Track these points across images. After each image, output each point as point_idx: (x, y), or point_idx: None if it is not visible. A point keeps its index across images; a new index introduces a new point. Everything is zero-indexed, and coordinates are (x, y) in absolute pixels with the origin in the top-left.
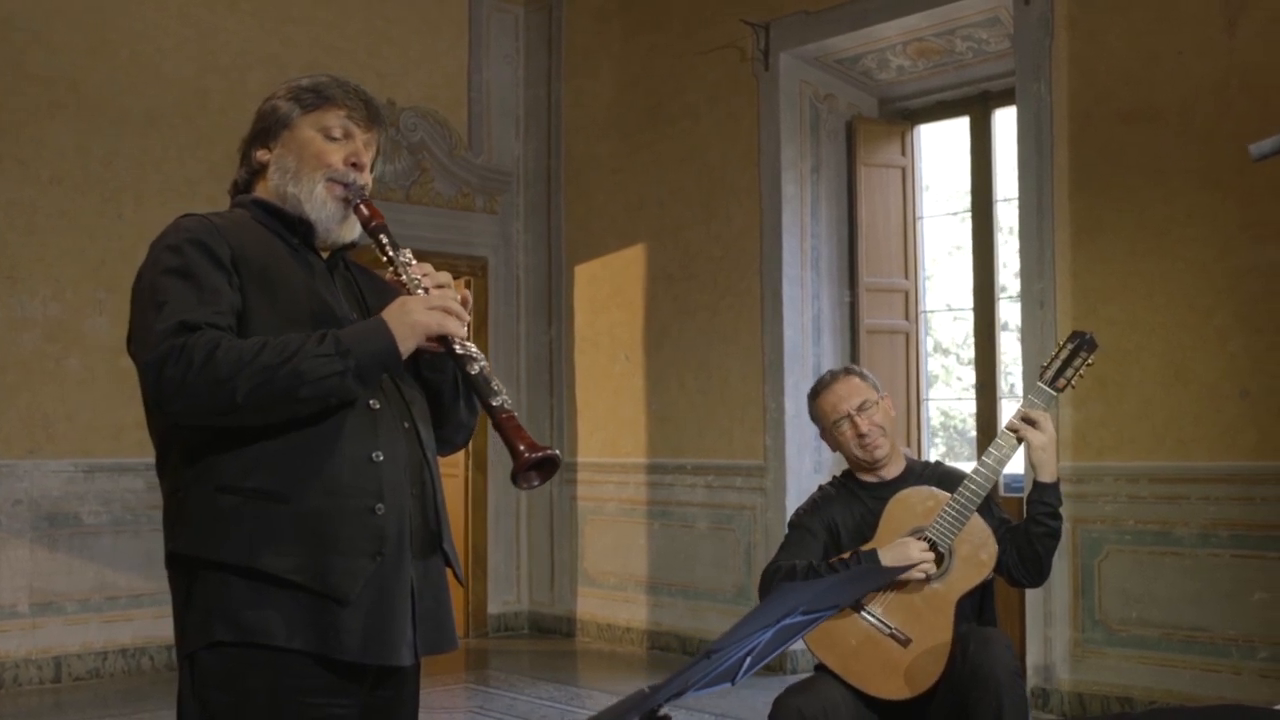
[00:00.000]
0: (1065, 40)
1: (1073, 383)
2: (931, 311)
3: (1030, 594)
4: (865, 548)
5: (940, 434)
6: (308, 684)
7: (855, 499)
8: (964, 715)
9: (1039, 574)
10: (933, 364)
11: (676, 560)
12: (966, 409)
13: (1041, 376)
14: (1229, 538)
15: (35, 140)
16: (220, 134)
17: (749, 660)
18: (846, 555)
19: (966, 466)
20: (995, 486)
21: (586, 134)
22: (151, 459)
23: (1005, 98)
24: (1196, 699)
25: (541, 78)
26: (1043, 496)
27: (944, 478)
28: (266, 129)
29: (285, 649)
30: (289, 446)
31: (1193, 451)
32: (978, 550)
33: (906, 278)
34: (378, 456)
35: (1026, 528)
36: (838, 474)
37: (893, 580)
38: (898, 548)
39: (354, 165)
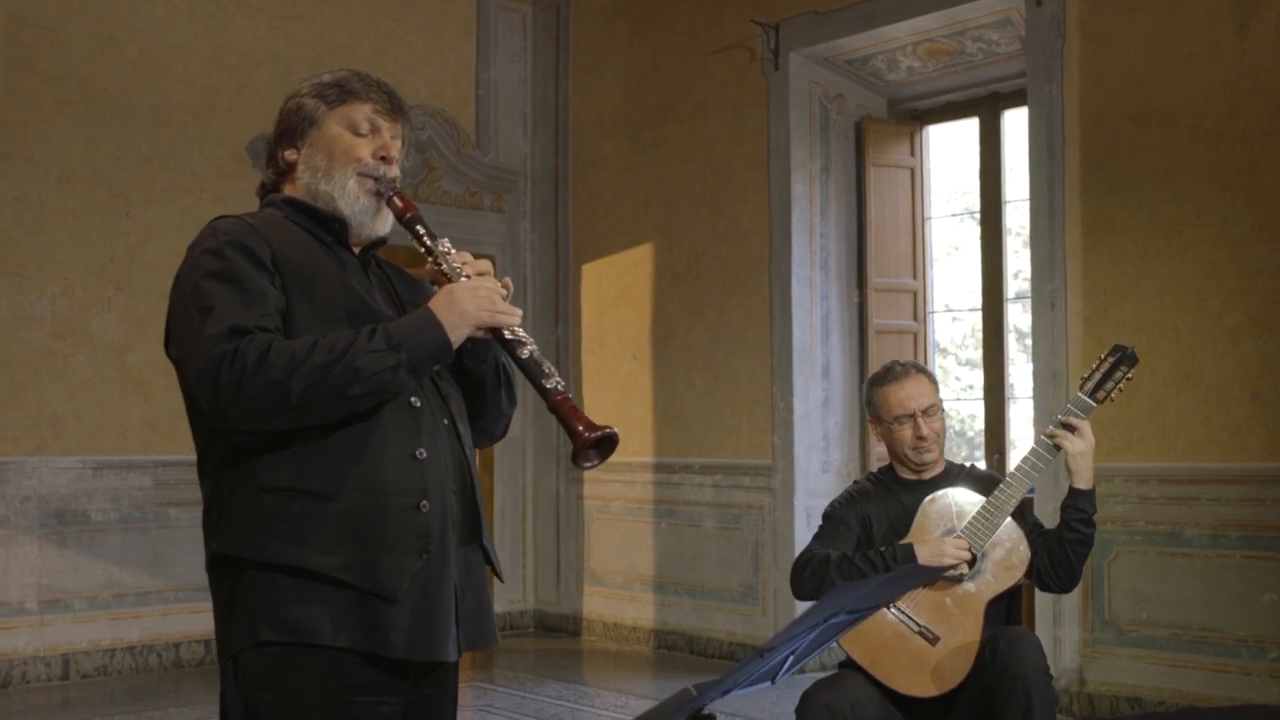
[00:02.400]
0: (1077, 42)
1: (1112, 395)
2: (937, 312)
3: (1040, 594)
4: (901, 542)
5: None
6: (354, 682)
7: (892, 495)
8: (991, 713)
9: (1070, 579)
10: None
11: (683, 559)
12: (965, 409)
13: (1082, 387)
14: (1239, 539)
15: (43, 137)
16: (228, 131)
17: (791, 659)
18: (883, 549)
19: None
20: None
21: (594, 133)
22: (159, 456)
23: (1015, 99)
24: (1206, 699)
25: (549, 77)
26: (1077, 503)
27: (981, 480)
28: (292, 129)
29: (332, 647)
30: (333, 446)
31: (1203, 452)
32: (1010, 554)
33: (915, 278)
34: (421, 454)
35: (1059, 533)
36: (874, 469)
37: (930, 579)
38: (934, 544)
39: (383, 159)
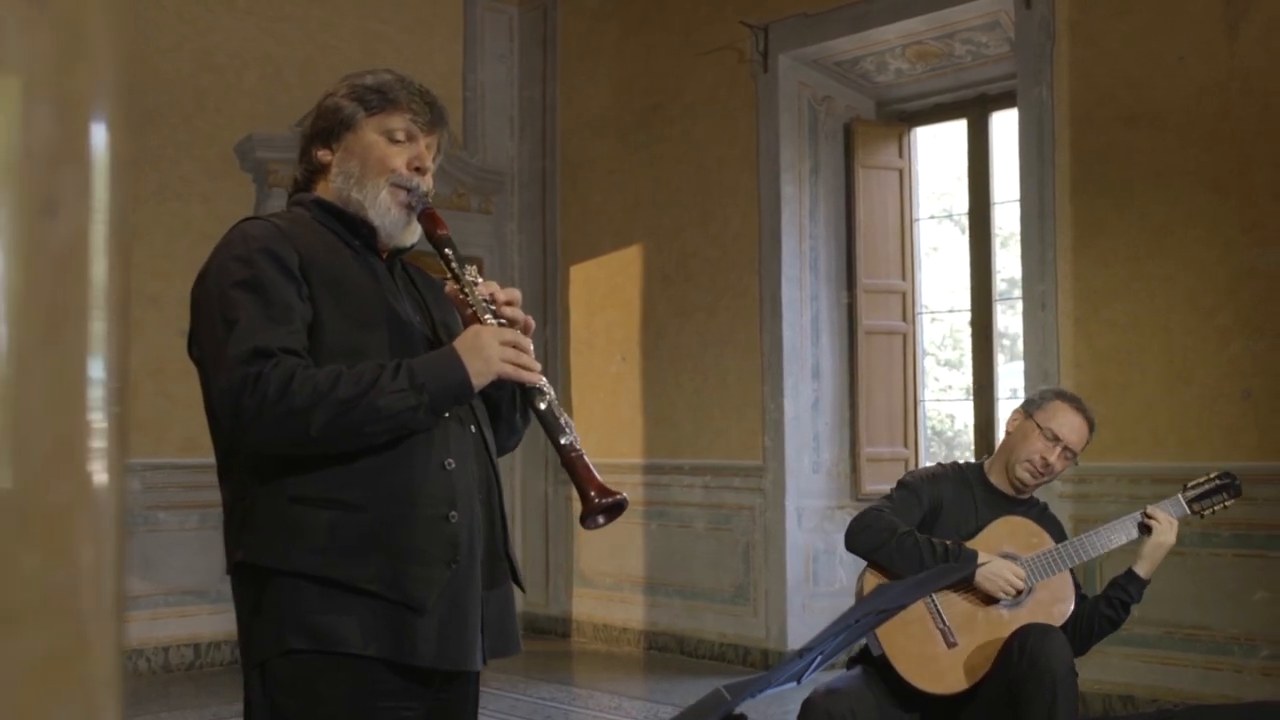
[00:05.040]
0: (1066, 44)
1: (1204, 514)
2: (928, 313)
3: None
4: (969, 545)
5: None
6: (379, 688)
7: (969, 492)
8: (1014, 707)
9: (1082, 646)
10: None
11: (673, 560)
12: (944, 410)
13: (1184, 491)
14: (1230, 537)
15: None
16: (217, 132)
17: (819, 659)
18: (949, 542)
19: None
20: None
21: (582, 135)
22: (148, 459)
23: (1003, 101)
24: (1198, 697)
25: (536, 78)
26: (1129, 586)
27: (1049, 523)
28: (328, 129)
29: (360, 656)
30: (363, 456)
31: (1194, 452)
32: (1054, 603)
33: (904, 279)
34: (449, 464)
35: (1095, 605)
36: (963, 460)
37: (972, 582)
38: (998, 565)
39: (417, 169)
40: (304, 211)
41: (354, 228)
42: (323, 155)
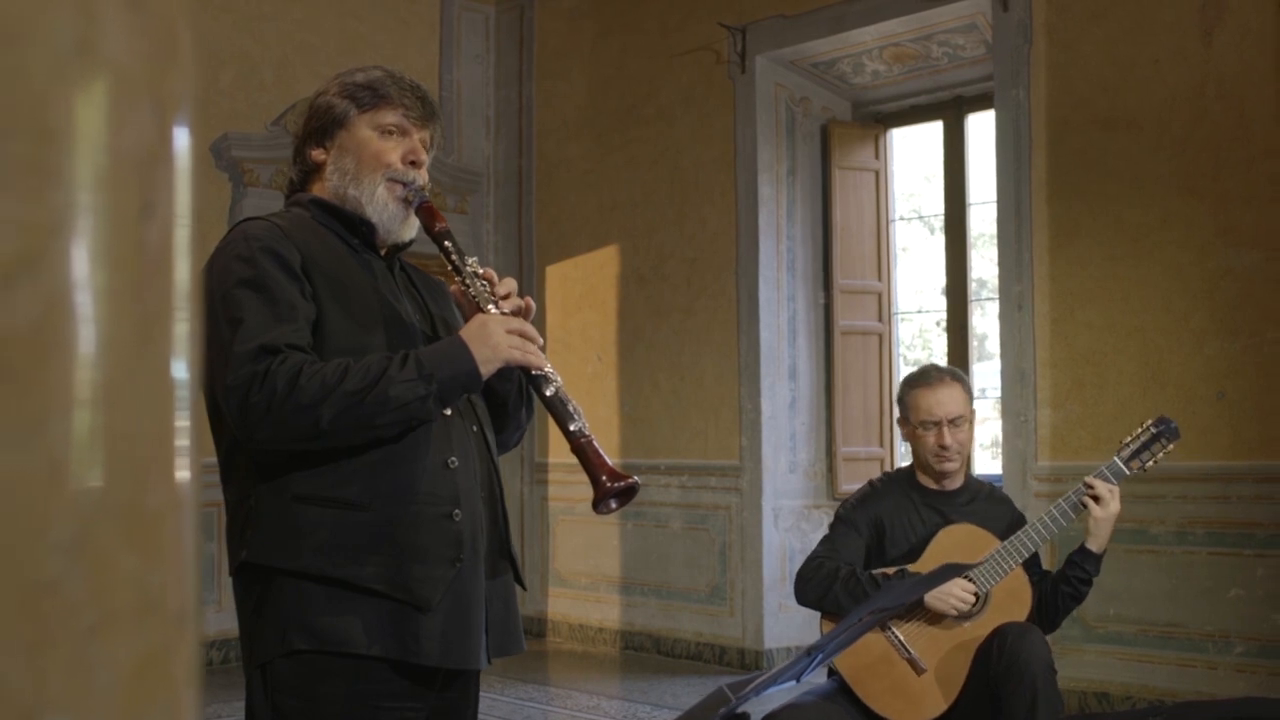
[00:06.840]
0: (1044, 47)
1: (1147, 466)
2: (901, 313)
3: None
4: (912, 568)
5: None
6: (382, 689)
7: (908, 500)
8: (995, 707)
9: (1051, 624)
10: None
11: (650, 560)
12: None
13: (1119, 452)
14: (1205, 535)
15: None
16: (192, 131)
17: (819, 657)
18: (891, 571)
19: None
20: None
21: (558, 135)
22: None
23: (978, 103)
24: (1173, 694)
25: (513, 78)
26: (1084, 562)
27: (999, 503)
28: (322, 128)
29: (364, 656)
30: (367, 455)
31: (1169, 451)
32: (1013, 604)
33: (879, 280)
34: (453, 463)
35: (1055, 583)
36: (892, 469)
37: (927, 602)
38: (944, 587)
39: (412, 163)
40: (303, 211)
41: (352, 225)
42: (317, 155)
